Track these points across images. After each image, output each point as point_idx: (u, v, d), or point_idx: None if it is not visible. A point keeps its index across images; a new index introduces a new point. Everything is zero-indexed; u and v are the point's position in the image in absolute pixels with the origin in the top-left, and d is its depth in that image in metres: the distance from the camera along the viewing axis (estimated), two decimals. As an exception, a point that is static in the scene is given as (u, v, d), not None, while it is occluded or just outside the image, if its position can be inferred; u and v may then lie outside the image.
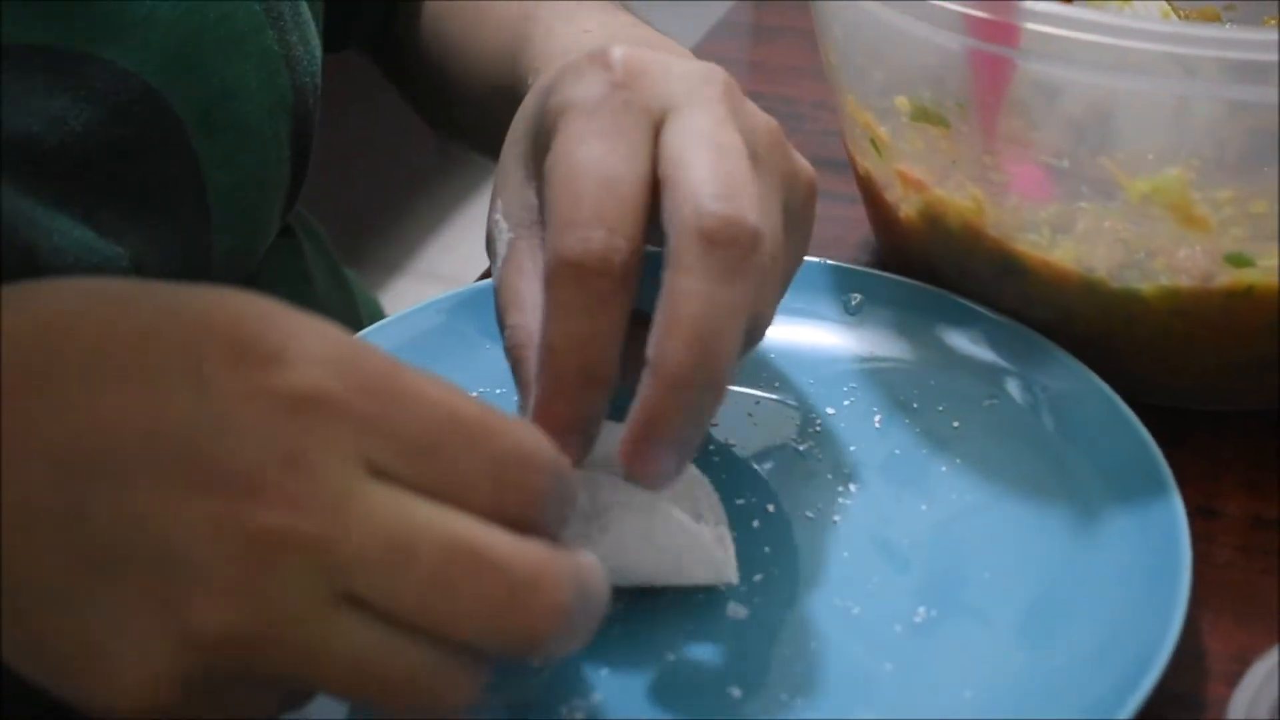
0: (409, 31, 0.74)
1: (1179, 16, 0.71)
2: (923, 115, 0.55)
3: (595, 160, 0.43)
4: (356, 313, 0.77)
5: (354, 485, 0.35)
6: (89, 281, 0.41)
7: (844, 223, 0.71)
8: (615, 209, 0.42)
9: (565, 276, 0.41)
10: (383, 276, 2.20)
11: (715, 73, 0.46)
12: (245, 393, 0.36)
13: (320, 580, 0.35)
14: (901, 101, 0.55)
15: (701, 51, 0.91)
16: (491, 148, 0.77)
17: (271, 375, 0.36)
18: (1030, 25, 0.48)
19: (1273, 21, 0.69)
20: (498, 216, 0.49)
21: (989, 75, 0.51)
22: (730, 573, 0.47)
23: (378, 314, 0.92)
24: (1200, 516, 0.53)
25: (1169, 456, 0.52)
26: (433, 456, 0.36)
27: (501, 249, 0.48)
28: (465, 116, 0.73)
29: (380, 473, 0.36)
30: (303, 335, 0.36)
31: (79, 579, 0.36)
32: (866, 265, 0.69)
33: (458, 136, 0.77)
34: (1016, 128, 0.52)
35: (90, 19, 0.51)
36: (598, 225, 0.41)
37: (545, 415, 0.42)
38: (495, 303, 0.48)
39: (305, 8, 0.62)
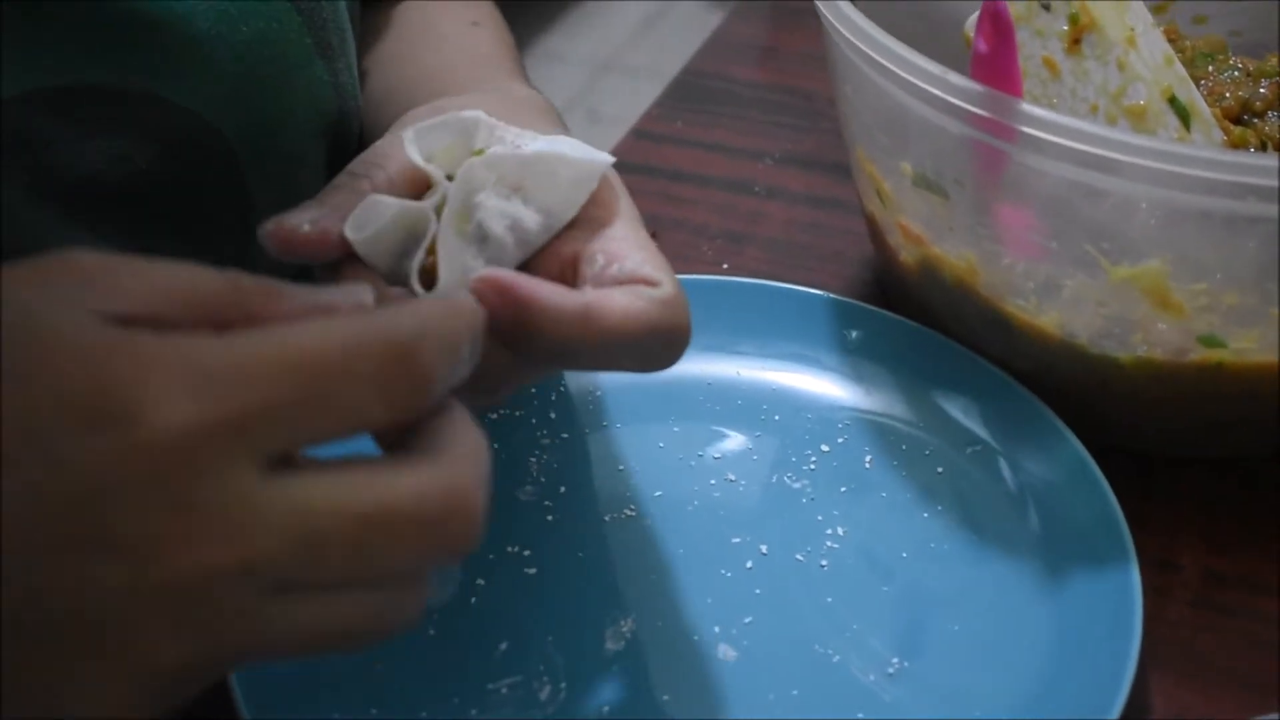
0: None
1: (1185, 44, 0.73)
2: (924, 184, 0.58)
3: None
4: None
5: (249, 498, 0.36)
6: None
7: (847, 236, 0.74)
8: None
9: (665, 331, 0.46)
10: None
11: None
12: (111, 459, 0.35)
13: (248, 587, 0.36)
14: (905, 167, 0.59)
15: (720, 33, 0.93)
16: None
17: (129, 435, 0.35)
18: (1026, 129, 0.52)
19: (1274, 58, 0.71)
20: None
21: (987, 160, 0.55)
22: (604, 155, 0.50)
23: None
24: (1158, 569, 0.58)
25: (1133, 504, 0.56)
26: (310, 414, 0.36)
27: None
28: None
29: (275, 459, 0.36)
30: (146, 375, 0.35)
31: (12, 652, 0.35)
32: (866, 281, 0.73)
33: None
34: (1010, 207, 0.56)
35: (153, 60, 0.54)
36: None
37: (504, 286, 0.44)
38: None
39: (350, 34, 0.64)
